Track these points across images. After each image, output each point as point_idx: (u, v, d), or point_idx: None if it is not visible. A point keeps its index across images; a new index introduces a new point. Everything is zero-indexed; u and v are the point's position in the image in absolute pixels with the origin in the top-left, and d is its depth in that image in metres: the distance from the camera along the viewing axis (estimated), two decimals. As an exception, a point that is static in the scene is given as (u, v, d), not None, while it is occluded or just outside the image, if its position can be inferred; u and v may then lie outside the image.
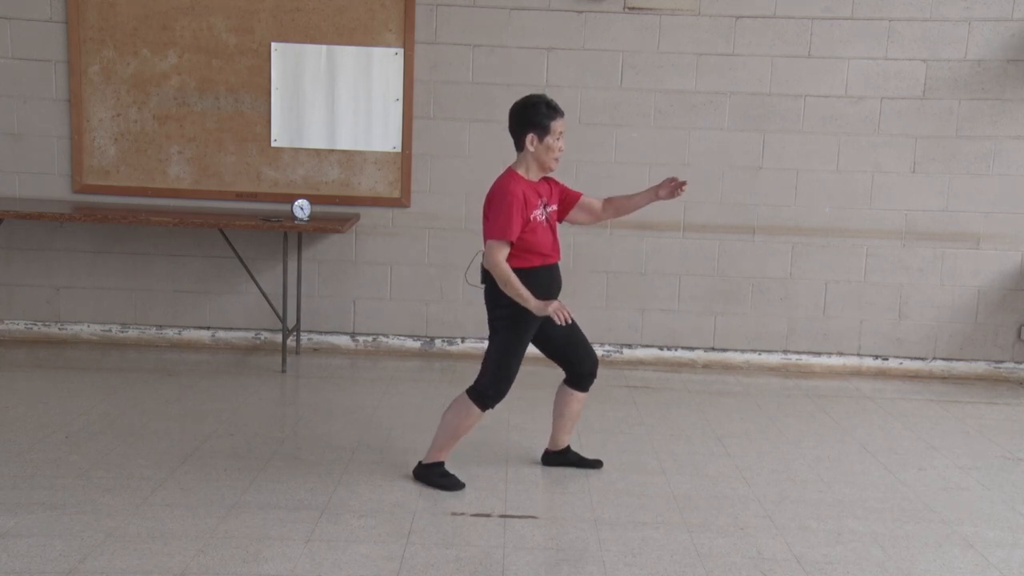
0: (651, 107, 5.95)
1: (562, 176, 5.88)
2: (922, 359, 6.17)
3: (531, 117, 3.77)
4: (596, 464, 4.27)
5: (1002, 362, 6.15)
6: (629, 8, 5.86)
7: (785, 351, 6.17)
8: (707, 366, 6.18)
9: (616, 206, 4.16)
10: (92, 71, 5.88)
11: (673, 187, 4.02)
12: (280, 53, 5.88)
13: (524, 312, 3.72)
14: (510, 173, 3.84)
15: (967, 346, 6.15)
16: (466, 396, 3.89)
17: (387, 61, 5.89)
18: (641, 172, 5.93)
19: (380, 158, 5.99)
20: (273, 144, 5.97)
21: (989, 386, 6.03)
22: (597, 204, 4.14)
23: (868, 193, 6.01)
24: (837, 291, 6.11)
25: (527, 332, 3.85)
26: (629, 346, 6.18)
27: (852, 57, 5.88)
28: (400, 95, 5.92)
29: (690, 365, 6.18)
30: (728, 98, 5.94)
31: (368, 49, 5.88)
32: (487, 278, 3.84)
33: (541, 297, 3.72)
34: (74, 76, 5.86)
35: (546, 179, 3.94)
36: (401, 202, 6.02)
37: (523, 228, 3.74)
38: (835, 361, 6.16)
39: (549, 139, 3.78)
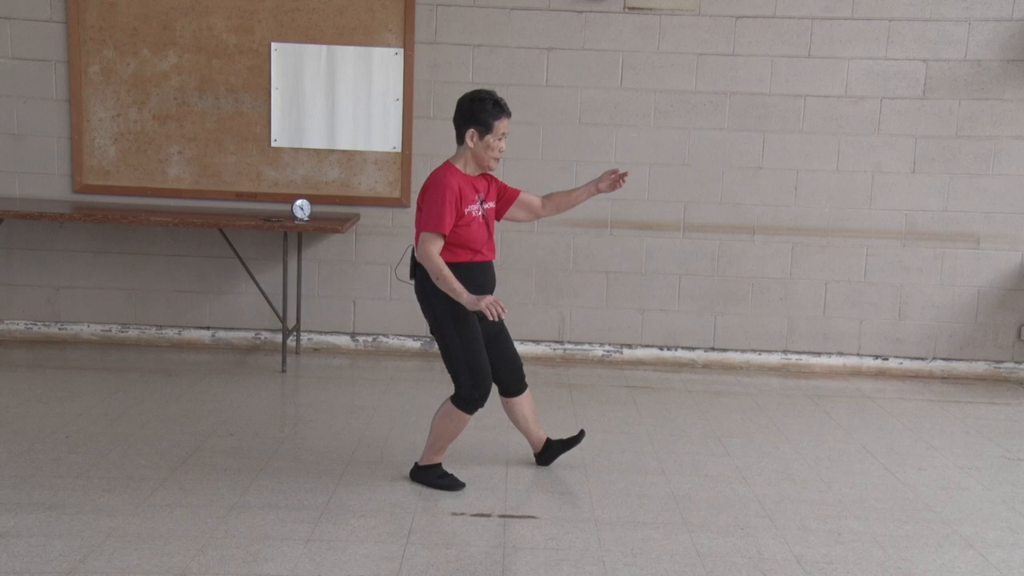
0: (651, 107, 5.95)
1: (562, 176, 5.92)
2: (922, 359, 6.16)
3: (476, 113, 3.70)
4: (579, 436, 4.22)
5: (1002, 362, 6.15)
6: (629, 8, 5.86)
7: (785, 351, 6.17)
8: (707, 366, 6.18)
9: (556, 202, 4.11)
10: (92, 71, 5.88)
11: (614, 180, 4.00)
12: (280, 53, 5.88)
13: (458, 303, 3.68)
14: (447, 166, 3.79)
15: (967, 346, 6.15)
16: (452, 404, 3.86)
17: (387, 61, 5.89)
18: (641, 172, 5.93)
19: (380, 158, 5.99)
20: (273, 144, 5.97)
21: (989, 386, 6.03)
22: (536, 201, 4.09)
23: (868, 193, 6.01)
24: (837, 291, 6.11)
25: (471, 321, 3.79)
26: (629, 346, 6.18)
27: (852, 57, 5.88)
28: (400, 95, 5.92)
29: (690, 365, 6.18)
30: (728, 98, 5.94)
31: (368, 49, 5.88)
32: (416, 273, 3.81)
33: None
34: (74, 76, 5.86)
35: (484, 175, 3.88)
36: (401, 202, 6.02)
37: (457, 222, 3.69)
38: (835, 361, 6.16)
39: (490, 137, 3.72)
